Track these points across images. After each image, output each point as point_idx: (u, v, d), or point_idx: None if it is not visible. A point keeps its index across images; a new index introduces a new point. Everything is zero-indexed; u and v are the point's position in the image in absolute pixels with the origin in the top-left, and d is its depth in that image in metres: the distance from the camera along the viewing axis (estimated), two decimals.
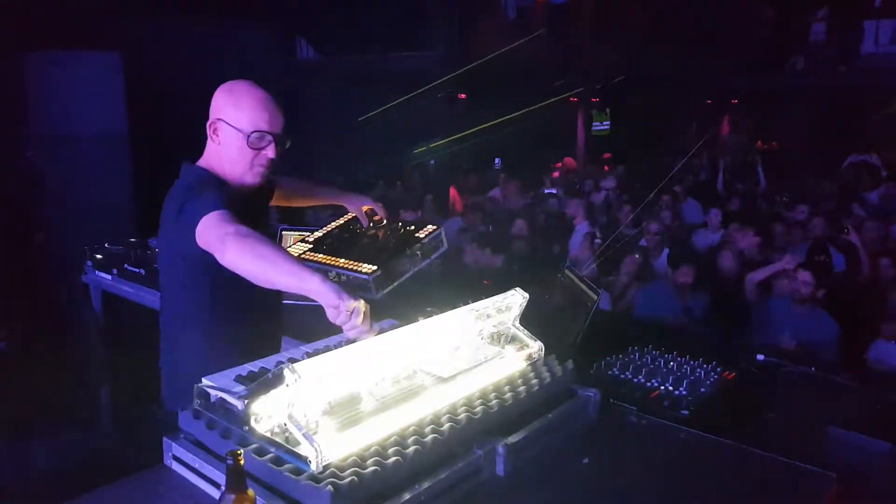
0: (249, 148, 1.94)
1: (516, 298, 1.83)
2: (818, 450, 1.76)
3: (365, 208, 2.44)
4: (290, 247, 2.67)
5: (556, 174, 10.65)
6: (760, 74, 14.68)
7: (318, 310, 1.56)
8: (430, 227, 2.51)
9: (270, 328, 2.19)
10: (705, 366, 2.14)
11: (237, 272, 1.64)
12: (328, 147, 8.64)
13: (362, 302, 1.54)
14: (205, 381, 1.53)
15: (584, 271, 4.62)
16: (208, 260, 1.70)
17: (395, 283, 2.34)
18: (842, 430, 1.87)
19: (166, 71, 6.52)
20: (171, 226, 1.90)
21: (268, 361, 1.69)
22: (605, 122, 16.07)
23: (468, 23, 8.50)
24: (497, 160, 11.22)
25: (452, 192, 8.42)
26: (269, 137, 1.95)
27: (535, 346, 1.83)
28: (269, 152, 1.97)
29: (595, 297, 2.23)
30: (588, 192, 8.42)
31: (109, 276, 3.73)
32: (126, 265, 3.68)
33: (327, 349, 1.75)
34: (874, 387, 2.17)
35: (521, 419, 1.61)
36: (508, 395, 1.63)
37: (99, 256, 3.87)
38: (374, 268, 2.26)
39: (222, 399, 1.47)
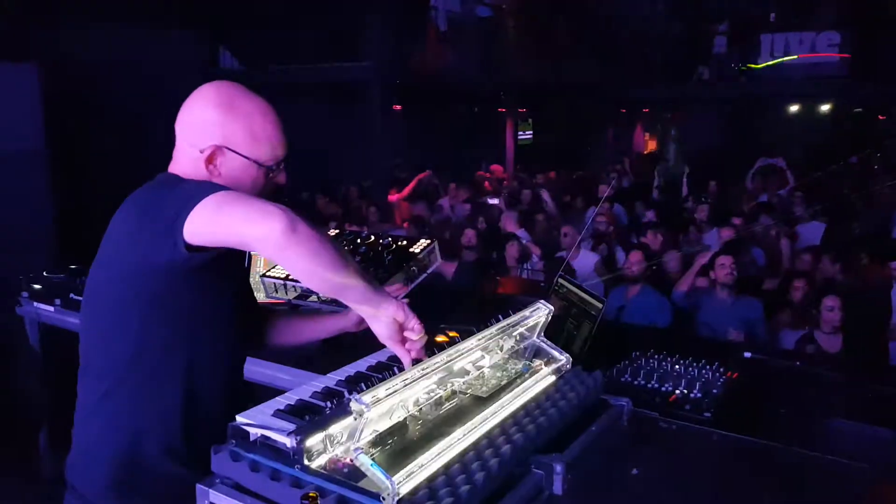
0: (268, 180, 1.58)
1: (542, 311, 1.81)
2: (838, 442, 1.83)
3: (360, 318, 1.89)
4: (269, 270, 2.55)
5: (486, 184, 10.77)
6: (669, 84, 15.47)
7: None
8: (423, 241, 2.47)
9: (241, 371, 1.76)
10: (708, 367, 2.19)
11: (291, 267, 1.35)
12: None
13: (402, 306, 1.49)
14: (240, 418, 1.41)
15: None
16: (196, 281, 1.41)
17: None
18: (843, 420, 1.97)
19: (85, 81, 6.15)
20: (133, 237, 1.43)
21: (300, 392, 1.58)
22: (528, 132, 16.46)
23: (401, 34, 8.48)
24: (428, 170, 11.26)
25: (393, 198, 8.34)
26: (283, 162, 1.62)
27: (563, 359, 1.82)
28: (282, 178, 1.62)
29: (600, 305, 2.24)
30: (529, 200, 8.55)
31: (52, 308, 3.43)
32: (72, 295, 3.39)
33: (361, 375, 1.67)
34: (859, 376, 2.29)
35: (569, 434, 1.58)
36: (552, 410, 1.60)
37: (37, 286, 3.56)
38: None
39: (266, 437, 1.36)
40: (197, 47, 9.35)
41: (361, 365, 1.76)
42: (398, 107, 10.37)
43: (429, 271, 2.39)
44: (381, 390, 1.30)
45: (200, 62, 9.38)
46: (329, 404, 1.39)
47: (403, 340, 1.53)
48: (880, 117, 19.03)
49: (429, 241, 2.42)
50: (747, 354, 2.50)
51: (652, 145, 17.24)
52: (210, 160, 1.54)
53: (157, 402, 1.53)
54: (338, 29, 8.74)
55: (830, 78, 13.89)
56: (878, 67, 13.19)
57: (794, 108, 19.25)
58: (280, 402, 1.51)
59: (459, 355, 1.56)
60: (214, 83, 1.62)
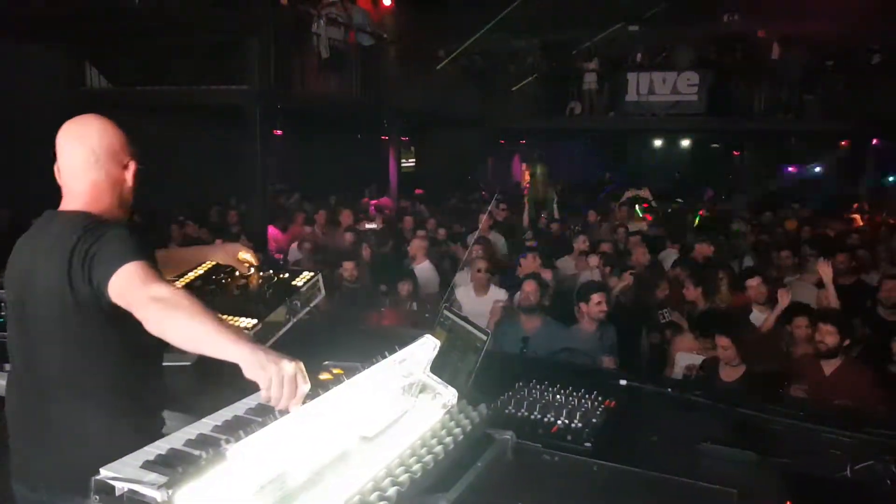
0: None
1: (428, 346, 1.80)
2: (704, 467, 1.94)
3: (240, 256, 2.26)
4: None
5: (372, 210, 10.73)
6: (544, 118, 16.20)
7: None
8: (306, 274, 2.41)
9: (162, 393, 1.95)
10: (587, 395, 2.26)
11: (161, 337, 1.48)
12: None
13: (295, 364, 1.41)
14: (104, 471, 1.29)
15: None
16: (117, 312, 1.55)
17: (276, 337, 2.20)
18: (711, 444, 2.09)
19: None
20: (58, 272, 1.65)
21: (172, 441, 1.46)
22: (410, 160, 16.63)
23: (281, 59, 8.32)
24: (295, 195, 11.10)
25: (272, 231, 8.09)
26: None
27: (449, 393, 1.81)
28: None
29: (484, 337, 2.26)
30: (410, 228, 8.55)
31: None
32: None
33: (241, 420, 1.57)
34: (724, 402, 2.44)
35: (455, 471, 1.57)
36: (438, 448, 1.59)
37: None
38: (255, 322, 2.11)
39: (133, 491, 1.25)
40: (62, 64, 8.76)
41: (240, 408, 1.66)
42: (279, 132, 10.16)
43: (311, 304, 2.32)
44: (260, 437, 1.23)
45: (65, 80, 8.79)
46: (204, 453, 1.29)
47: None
48: (735, 153, 20.99)
49: (312, 274, 2.35)
50: (622, 382, 2.60)
51: (527, 175, 17.96)
52: (131, 173, 1.88)
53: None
54: (216, 51, 8.45)
55: (690, 115, 15.08)
56: (731, 106, 14.52)
57: (657, 142, 20.84)
58: (149, 451, 1.39)
59: (344, 394, 1.51)
60: (85, 116, 1.87)
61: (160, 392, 1.92)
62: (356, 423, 1.59)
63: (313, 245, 6.74)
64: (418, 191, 13.28)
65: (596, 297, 4.60)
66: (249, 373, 1.40)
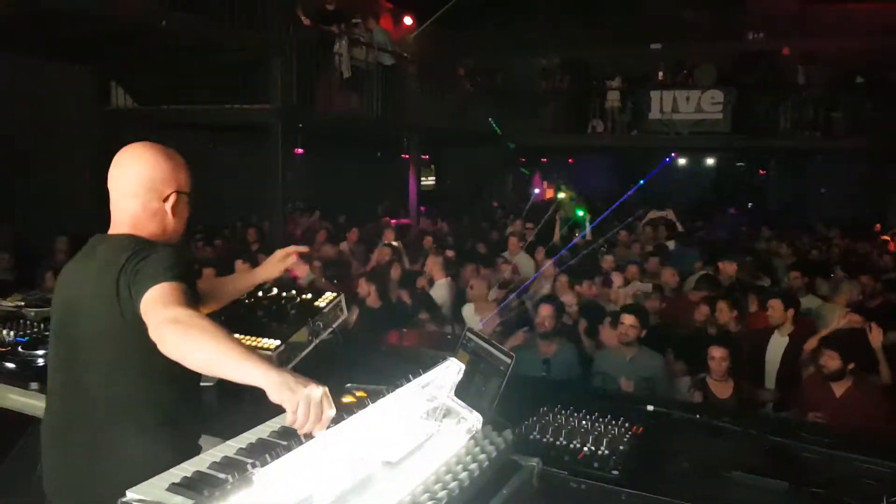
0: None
1: (452, 370, 1.77)
2: (735, 496, 1.88)
3: (279, 258, 2.22)
4: None
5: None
6: (565, 134, 16.17)
7: None
8: (329, 294, 2.40)
9: (200, 415, 1.96)
10: (614, 422, 2.21)
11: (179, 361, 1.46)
12: None
13: (322, 389, 1.39)
14: (130, 493, 1.28)
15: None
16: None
17: (299, 358, 2.20)
18: (742, 473, 2.03)
19: None
20: (109, 291, 1.67)
21: (197, 463, 1.45)
22: (430, 177, 16.68)
23: (304, 79, 8.42)
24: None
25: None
26: None
27: (473, 418, 1.78)
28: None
29: (508, 360, 2.23)
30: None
31: None
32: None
33: (265, 443, 1.56)
34: (754, 428, 2.37)
35: (480, 499, 1.53)
36: (463, 474, 1.55)
37: None
38: (278, 343, 2.11)
39: None
40: (88, 83, 8.95)
41: (264, 430, 1.65)
42: (300, 150, 10.25)
43: (334, 326, 2.31)
44: (286, 461, 1.21)
45: (91, 98, 8.98)
46: (230, 476, 1.28)
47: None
48: (760, 171, 20.74)
49: (335, 295, 2.34)
50: (650, 407, 2.55)
51: (550, 193, 17.89)
52: (172, 207, 1.86)
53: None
54: (240, 70, 8.58)
55: (714, 133, 14.95)
56: (757, 124, 14.38)
57: (682, 161, 20.66)
58: (175, 474, 1.38)
59: (369, 419, 1.49)
60: (136, 144, 1.88)
61: (198, 414, 1.93)
62: (380, 447, 1.56)
63: (322, 264, 6.73)
64: (422, 208, 13.14)
65: (627, 319, 4.47)
66: (276, 396, 1.38)
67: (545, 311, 4.44)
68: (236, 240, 8.62)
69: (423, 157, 14.57)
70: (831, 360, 3.96)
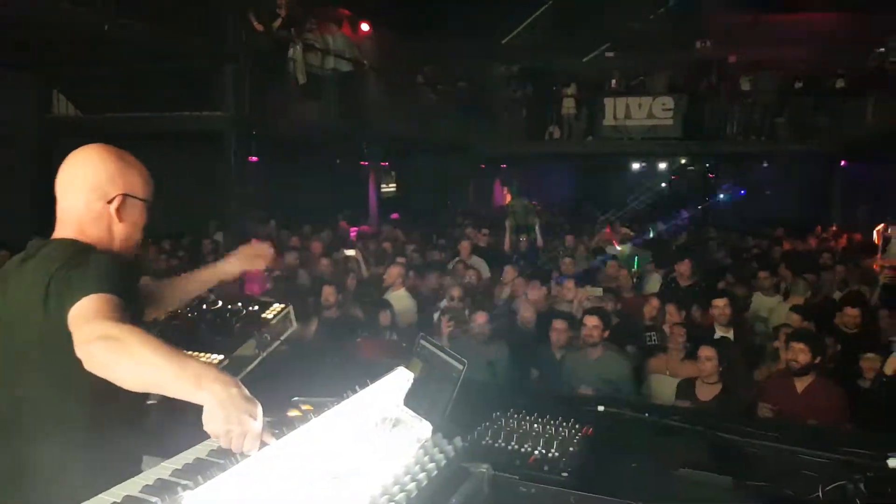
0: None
1: (401, 379, 1.77)
2: (682, 492, 1.91)
3: (250, 252, 2.20)
4: None
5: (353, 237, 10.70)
6: (525, 141, 16.36)
7: None
8: (276, 305, 2.36)
9: (141, 434, 1.86)
10: (565, 423, 2.23)
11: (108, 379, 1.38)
12: None
13: (257, 422, 1.35)
14: None
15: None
16: None
17: (244, 372, 2.15)
18: (688, 469, 2.06)
19: None
20: (37, 298, 1.57)
21: (127, 487, 1.40)
22: (391, 185, 16.66)
23: (258, 85, 8.31)
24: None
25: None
26: None
27: (423, 427, 1.77)
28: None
29: (460, 366, 2.22)
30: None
31: None
32: None
33: (203, 463, 1.52)
34: (703, 424, 2.42)
35: None
36: (411, 485, 1.54)
37: None
38: (221, 357, 2.07)
39: None
40: (29, 90, 8.68)
41: (203, 449, 1.60)
42: (255, 158, 10.08)
43: (283, 338, 2.27)
44: (219, 482, 1.18)
45: (32, 106, 8.71)
46: (160, 500, 1.24)
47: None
48: (710, 175, 21.31)
49: (283, 306, 2.30)
50: (601, 408, 2.57)
51: (508, 199, 18.05)
52: (118, 211, 1.77)
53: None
54: (191, 78, 8.43)
55: (665, 139, 15.32)
56: (705, 130, 14.80)
57: (635, 166, 21.10)
58: (104, 499, 1.33)
59: (312, 432, 1.47)
60: (87, 146, 1.81)
61: (139, 433, 1.83)
62: (325, 462, 1.54)
63: (282, 275, 6.65)
64: (394, 216, 13.25)
65: (590, 320, 4.52)
66: (212, 417, 1.31)
67: (481, 318, 4.50)
68: (185, 252, 8.43)
69: (383, 164, 14.55)
70: (802, 354, 3.97)
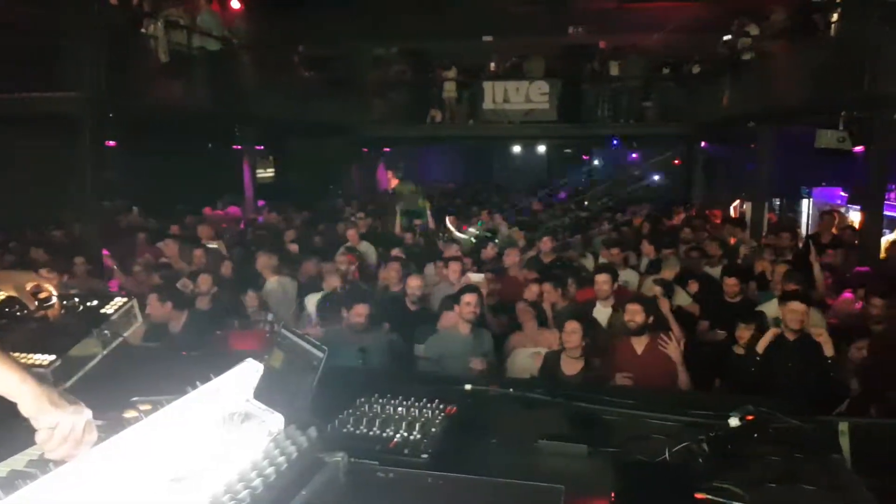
0: None
1: (248, 371, 1.69)
2: (539, 464, 1.97)
3: (28, 286, 1.99)
4: None
5: (224, 224, 10.25)
6: (407, 124, 16.32)
7: None
8: (118, 300, 2.19)
9: None
10: (429, 405, 2.23)
11: None
12: None
13: (86, 415, 1.23)
14: None
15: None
16: None
17: (82, 372, 1.98)
18: (546, 441, 2.13)
19: None
20: None
21: None
22: (269, 169, 16.09)
23: (115, 64, 7.69)
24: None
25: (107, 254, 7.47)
26: None
27: (274, 420, 1.70)
28: None
29: (321, 354, 2.16)
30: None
31: None
32: None
33: (18, 474, 1.37)
34: (560, 397, 2.50)
35: (277, 503, 1.46)
36: (257, 481, 1.47)
37: None
38: (52, 357, 1.89)
39: None
40: None
41: (21, 460, 1.46)
42: (112, 143, 9.42)
43: (125, 334, 2.11)
44: (25, 494, 1.07)
45: None
46: None
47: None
48: (584, 157, 22.29)
49: (125, 300, 2.14)
50: (468, 386, 2.60)
51: (394, 183, 17.97)
52: None
53: None
54: (40, 55, 7.68)
55: (543, 122, 15.79)
56: (580, 113, 15.40)
57: (516, 149, 21.69)
58: None
59: (145, 434, 1.37)
60: None
61: None
62: (163, 464, 1.44)
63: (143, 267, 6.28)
64: (261, 202, 12.74)
65: (467, 298, 4.62)
66: (29, 412, 1.23)
67: (361, 309, 4.48)
68: (38, 245, 7.73)
69: (258, 147, 14.00)
70: (636, 315, 4.31)
